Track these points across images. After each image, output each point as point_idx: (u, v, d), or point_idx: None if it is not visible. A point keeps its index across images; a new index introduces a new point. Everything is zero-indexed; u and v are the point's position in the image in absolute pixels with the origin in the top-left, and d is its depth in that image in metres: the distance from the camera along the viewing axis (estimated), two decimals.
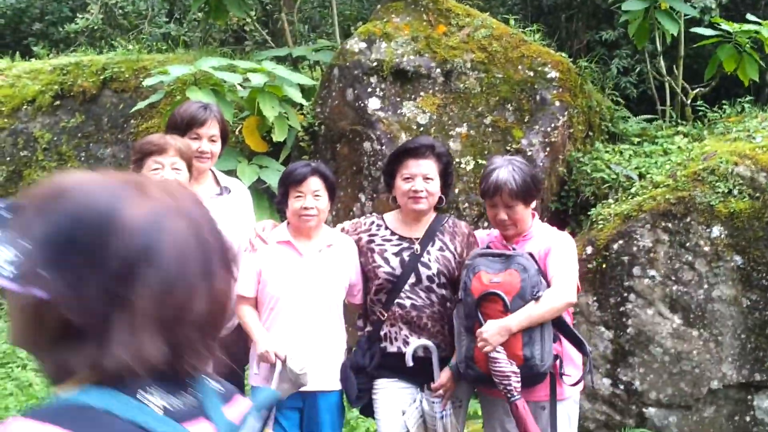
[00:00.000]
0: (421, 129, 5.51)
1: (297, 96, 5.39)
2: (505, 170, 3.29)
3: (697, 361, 4.60)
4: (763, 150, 4.81)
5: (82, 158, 6.61)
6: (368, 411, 3.45)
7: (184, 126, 3.57)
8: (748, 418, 4.63)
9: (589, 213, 5.17)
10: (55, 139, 6.70)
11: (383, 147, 5.49)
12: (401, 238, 3.42)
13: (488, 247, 3.36)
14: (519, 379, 3.03)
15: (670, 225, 4.69)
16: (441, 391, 3.31)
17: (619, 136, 5.93)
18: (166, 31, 8.92)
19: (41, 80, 6.90)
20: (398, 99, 5.62)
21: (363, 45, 5.76)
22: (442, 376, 3.32)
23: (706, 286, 4.64)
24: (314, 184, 3.33)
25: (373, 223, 3.50)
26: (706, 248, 4.65)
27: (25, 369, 5.35)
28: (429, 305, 3.35)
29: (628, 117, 6.22)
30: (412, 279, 3.34)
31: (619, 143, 5.80)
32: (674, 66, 6.21)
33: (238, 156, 5.52)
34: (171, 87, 5.59)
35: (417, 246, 3.39)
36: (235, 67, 5.46)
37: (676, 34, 5.89)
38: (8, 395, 5.02)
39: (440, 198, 3.44)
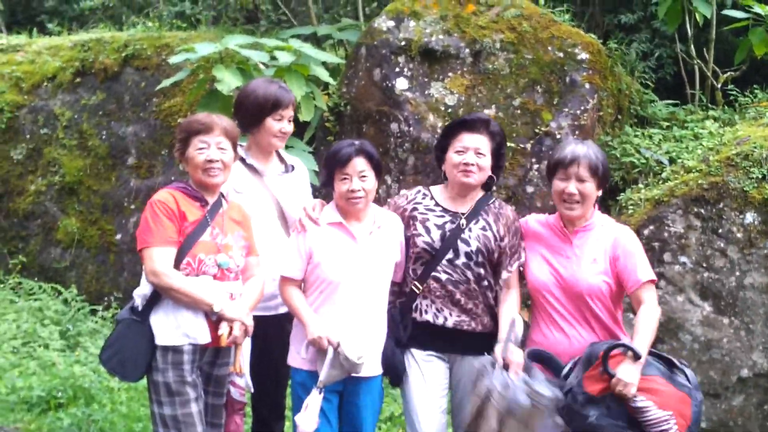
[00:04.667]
0: (449, 110, 5.44)
1: (324, 75, 5.31)
2: (583, 146, 3.38)
3: (727, 349, 4.56)
4: None
5: (103, 136, 6.53)
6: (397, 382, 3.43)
7: (270, 107, 3.56)
8: None
9: (617, 198, 5.11)
10: (76, 116, 6.61)
11: (410, 128, 5.42)
12: (445, 210, 3.41)
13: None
14: (675, 420, 3.02)
15: (702, 211, 4.63)
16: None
17: (647, 120, 5.85)
18: (181, 9, 8.82)
19: (61, 57, 6.81)
20: (426, 79, 5.54)
21: (391, 24, 5.67)
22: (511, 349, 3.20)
23: (738, 273, 4.58)
24: (360, 164, 3.28)
25: (419, 192, 3.51)
26: (739, 235, 4.59)
27: (47, 348, 5.34)
28: (465, 281, 3.34)
29: (654, 101, 6.13)
30: (450, 254, 3.33)
31: (648, 127, 5.72)
32: (705, 49, 6.10)
33: None
34: (195, 65, 5.50)
35: (462, 221, 3.37)
36: (260, 45, 5.38)
37: (709, 17, 5.79)
38: (31, 374, 5.01)
39: (491, 177, 3.44)
